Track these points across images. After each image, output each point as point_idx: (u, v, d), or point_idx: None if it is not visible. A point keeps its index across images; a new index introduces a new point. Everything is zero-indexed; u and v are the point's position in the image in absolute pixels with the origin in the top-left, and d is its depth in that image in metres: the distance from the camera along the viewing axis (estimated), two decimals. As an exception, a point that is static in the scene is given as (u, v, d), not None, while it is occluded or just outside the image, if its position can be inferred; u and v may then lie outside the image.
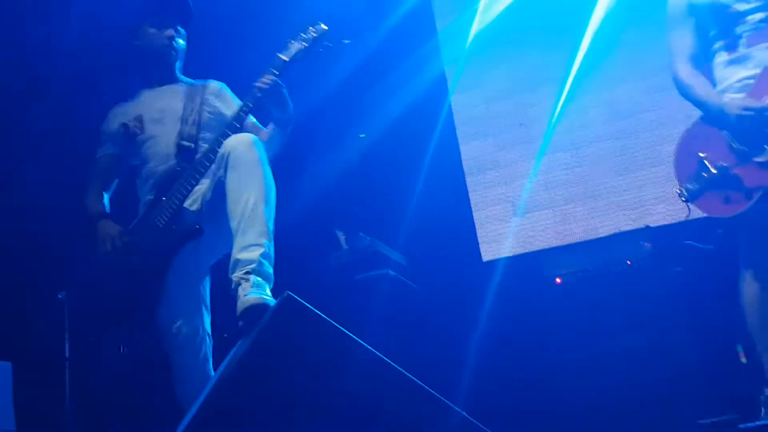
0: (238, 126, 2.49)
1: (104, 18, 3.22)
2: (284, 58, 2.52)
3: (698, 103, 2.41)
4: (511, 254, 4.87)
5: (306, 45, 2.54)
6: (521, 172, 5.03)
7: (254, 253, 2.14)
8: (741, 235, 2.34)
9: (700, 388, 2.89)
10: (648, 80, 4.48)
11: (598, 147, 4.66)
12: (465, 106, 5.26)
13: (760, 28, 2.28)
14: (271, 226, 2.24)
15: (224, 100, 2.78)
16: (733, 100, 2.27)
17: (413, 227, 4.36)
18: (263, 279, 2.14)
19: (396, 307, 3.60)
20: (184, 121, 2.67)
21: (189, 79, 2.85)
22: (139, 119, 2.74)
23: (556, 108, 4.95)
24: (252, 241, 2.16)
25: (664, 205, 3.97)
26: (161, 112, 2.74)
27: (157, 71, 2.79)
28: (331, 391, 1.86)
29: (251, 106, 2.51)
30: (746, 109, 2.21)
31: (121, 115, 2.79)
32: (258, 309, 2.02)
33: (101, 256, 2.60)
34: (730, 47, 2.34)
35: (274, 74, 2.50)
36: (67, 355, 2.78)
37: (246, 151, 2.28)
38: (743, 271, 2.32)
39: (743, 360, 2.81)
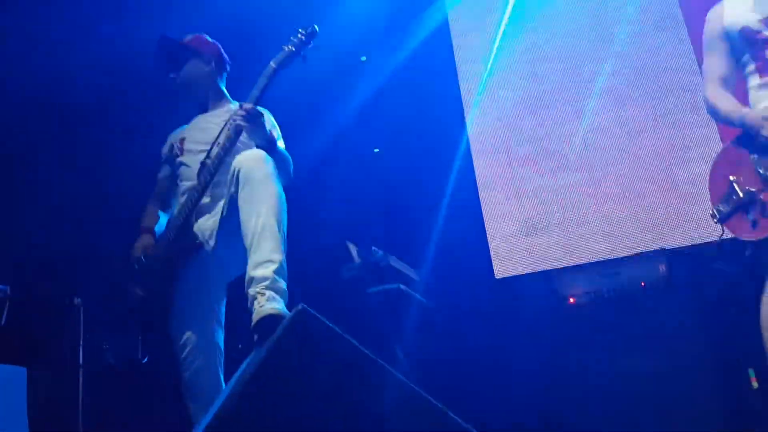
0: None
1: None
2: (273, 65, 2.59)
3: (725, 120, 2.49)
4: (524, 272, 4.90)
5: (293, 49, 2.59)
6: (535, 189, 5.08)
7: (268, 270, 2.19)
8: (765, 259, 2.37)
9: (709, 411, 2.91)
10: (663, 99, 4.52)
11: (615, 168, 4.70)
12: (479, 121, 5.32)
13: None
14: (284, 241, 2.29)
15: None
16: (753, 111, 2.34)
17: (426, 242, 4.40)
18: (277, 294, 2.19)
19: (407, 322, 3.65)
20: (216, 142, 2.75)
21: (237, 102, 2.95)
22: (182, 141, 2.88)
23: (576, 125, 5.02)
24: (266, 258, 2.22)
25: (681, 228, 4.00)
26: (202, 132, 2.86)
27: (196, 101, 2.95)
28: (343, 404, 1.90)
29: (232, 136, 2.60)
30: (765, 118, 2.29)
31: (173, 138, 2.96)
32: (272, 320, 2.07)
33: (125, 264, 2.70)
34: (762, 71, 2.40)
35: (256, 97, 2.57)
36: (80, 361, 2.84)
37: (256, 166, 2.34)
38: (765, 294, 2.35)
39: (755, 385, 2.83)
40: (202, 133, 2.85)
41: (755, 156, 2.33)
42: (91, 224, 3.59)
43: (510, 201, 5.11)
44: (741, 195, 2.33)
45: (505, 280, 4.91)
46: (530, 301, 4.36)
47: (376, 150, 4.68)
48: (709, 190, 2.46)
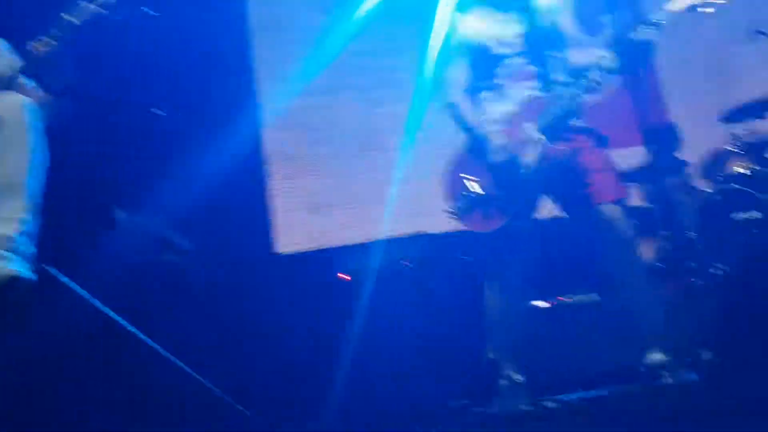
0: None
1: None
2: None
3: (468, 130, 2.73)
4: (305, 249, 5.06)
5: None
6: (322, 167, 5.25)
7: (10, 227, 2.05)
8: (490, 246, 2.69)
9: (453, 378, 3.28)
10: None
11: (397, 154, 5.01)
12: (275, 93, 5.35)
13: (519, 71, 2.66)
14: (36, 201, 2.16)
15: None
16: (495, 134, 2.63)
17: (204, 211, 4.35)
18: (20, 256, 2.06)
19: (178, 294, 3.60)
20: None
21: None
22: None
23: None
24: (10, 215, 2.08)
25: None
26: None
27: None
28: (87, 369, 1.87)
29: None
30: (500, 147, 2.58)
31: None
32: (13, 283, 1.96)
33: None
34: (494, 86, 2.70)
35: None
36: None
37: (13, 113, 2.18)
38: (489, 276, 2.72)
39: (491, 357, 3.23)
40: None
41: (489, 156, 2.62)
42: None
43: (297, 177, 5.23)
44: (476, 192, 2.60)
45: (285, 256, 5.03)
46: (308, 277, 4.51)
47: (156, 110, 4.50)
48: (447, 186, 2.72)
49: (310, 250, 5.00)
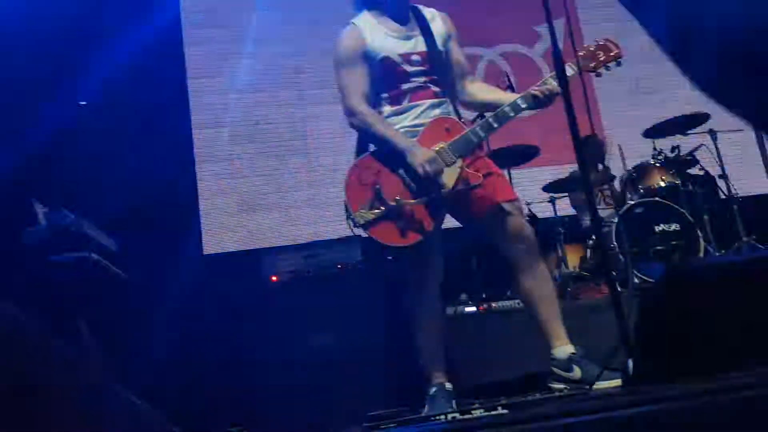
0: None
1: None
2: None
3: (382, 140, 2.62)
4: (233, 250, 4.99)
5: None
6: (254, 168, 5.18)
7: None
8: (407, 257, 2.65)
9: (382, 384, 3.29)
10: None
11: (335, 159, 5.00)
12: (203, 92, 5.26)
13: (420, 88, 2.65)
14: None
15: None
16: (421, 148, 2.56)
17: (130, 210, 4.23)
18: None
19: (98, 295, 3.47)
20: None
21: None
22: None
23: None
24: None
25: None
26: None
27: None
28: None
29: None
30: (429, 161, 2.52)
31: None
32: None
33: None
34: (395, 101, 2.67)
35: None
36: None
37: None
38: (410, 287, 2.69)
39: (421, 363, 3.24)
40: None
41: (402, 171, 2.56)
42: None
43: (227, 178, 5.16)
44: (391, 203, 2.50)
45: (213, 256, 4.95)
46: (235, 278, 4.45)
47: (83, 103, 4.35)
48: (348, 196, 2.57)
49: (240, 251, 4.94)
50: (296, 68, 5.34)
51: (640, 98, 5.49)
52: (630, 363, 2.07)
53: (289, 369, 3.46)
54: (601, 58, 2.68)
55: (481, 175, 2.57)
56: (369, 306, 3.66)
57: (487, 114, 2.68)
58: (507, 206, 2.61)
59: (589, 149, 4.58)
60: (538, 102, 2.60)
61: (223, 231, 5.02)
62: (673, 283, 2.05)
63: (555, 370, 2.58)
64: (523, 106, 2.60)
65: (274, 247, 4.58)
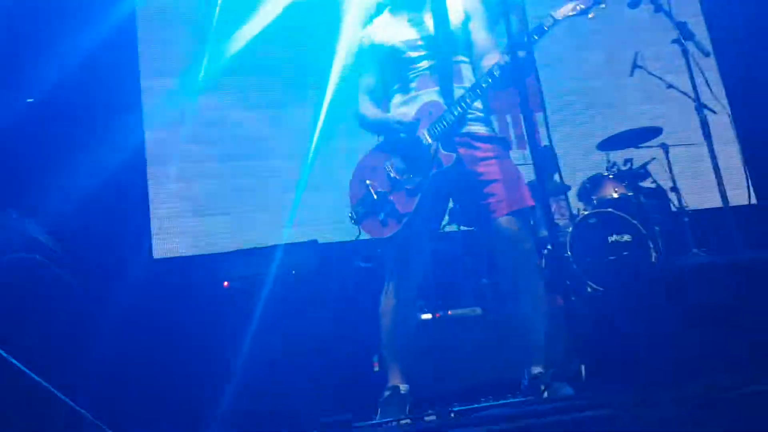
0: None
1: None
2: None
3: (369, 124, 2.76)
4: (185, 254, 4.90)
5: None
6: (207, 171, 5.10)
7: None
8: (389, 254, 2.69)
9: (334, 391, 3.26)
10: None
11: (290, 163, 4.97)
12: (156, 92, 5.16)
13: (426, 74, 2.66)
14: None
15: None
16: (391, 115, 2.66)
17: (77, 210, 4.12)
18: None
19: (42, 297, 3.37)
20: None
21: None
22: None
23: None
24: None
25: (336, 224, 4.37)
26: None
27: None
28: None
29: None
30: (398, 122, 2.60)
31: None
32: None
33: None
34: (404, 90, 2.70)
35: None
36: None
37: None
38: (386, 284, 2.69)
39: (376, 369, 3.24)
40: None
41: (389, 161, 2.63)
42: None
43: (180, 181, 5.06)
44: (375, 196, 2.61)
45: (164, 261, 4.85)
46: (186, 283, 4.37)
47: (30, 100, 4.24)
48: (350, 193, 2.71)
49: (192, 255, 4.85)
50: (254, 70, 5.29)
51: (595, 111, 5.61)
52: (583, 369, 2.10)
53: (239, 375, 3.41)
54: None
55: (453, 155, 2.54)
56: (324, 311, 3.63)
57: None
58: (505, 219, 2.54)
59: (543, 160, 4.67)
60: (494, 80, 2.53)
61: (174, 235, 4.93)
62: (623, 290, 2.10)
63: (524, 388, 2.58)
64: (484, 85, 2.56)
65: (227, 252, 4.52)
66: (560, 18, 2.51)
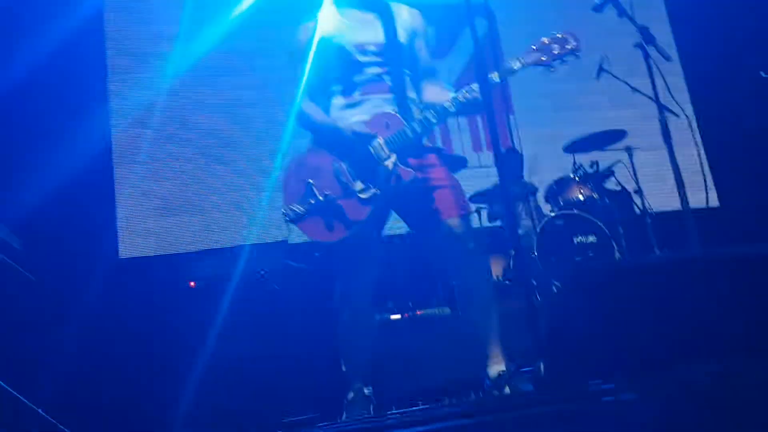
0: None
1: None
2: None
3: (316, 127, 2.66)
4: (151, 254, 4.86)
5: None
6: (175, 171, 5.08)
7: None
8: (338, 260, 2.64)
9: (296, 391, 3.27)
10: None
11: (259, 164, 4.98)
12: (124, 91, 5.13)
13: (374, 80, 2.62)
14: None
15: None
16: (348, 122, 2.57)
17: (41, 208, 4.08)
18: None
19: (4, 297, 3.33)
20: None
21: None
22: None
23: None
24: None
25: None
26: None
27: None
28: None
29: None
30: (355, 134, 2.53)
31: None
32: None
33: None
34: (347, 92, 2.64)
35: None
36: None
37: None
38: (338, 289, 2.66)
39: (344, 368, 3.25)
40: None
41: (339, 165, 2.57)
42: None
43: (147, 180, 5.03)
44: (320, 197, 2.52)
45: (130, 261, 4.81)
46: (153, 283, 4.35)
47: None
48: (284, 192, 2.60)
49: (159, 255, 4.82)
50: (223, 70, 5.28)
51: (562, 114, 5.69)
52: (542, 366, 2.14)
53: (203, 375, 3.40)
54: (556, 51, 2.57)
55: (412, 171, 2.55)
56: (290, 312, 3.64)
57: (426, 111, 2.62)
58: (454, 221, 2.58)
59: (509, 163, 4.73)
60: (463, 106, 2.56)
61: (140, 234, 4.89)
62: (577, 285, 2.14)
63: (487, 388, 2.58)
64: (452, 110, 2.56)
65: (194, 252, 4.50)
66: (525, 65, 2.55)
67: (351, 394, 2.60)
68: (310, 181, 2.57)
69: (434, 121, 2.57)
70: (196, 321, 3.71)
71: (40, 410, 2.35)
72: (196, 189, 5.04)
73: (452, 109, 2.54)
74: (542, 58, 2.57)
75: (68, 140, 4.53)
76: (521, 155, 4.91)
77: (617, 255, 4.21)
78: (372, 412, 2.56)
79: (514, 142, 4.34)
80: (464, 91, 2.56)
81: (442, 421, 1.57)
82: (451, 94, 2.58)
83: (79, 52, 4.85)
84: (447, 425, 1.57)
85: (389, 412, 2.44)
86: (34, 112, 4.60)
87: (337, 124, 2.62)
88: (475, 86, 2.52)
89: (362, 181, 2.55)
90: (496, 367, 2.55)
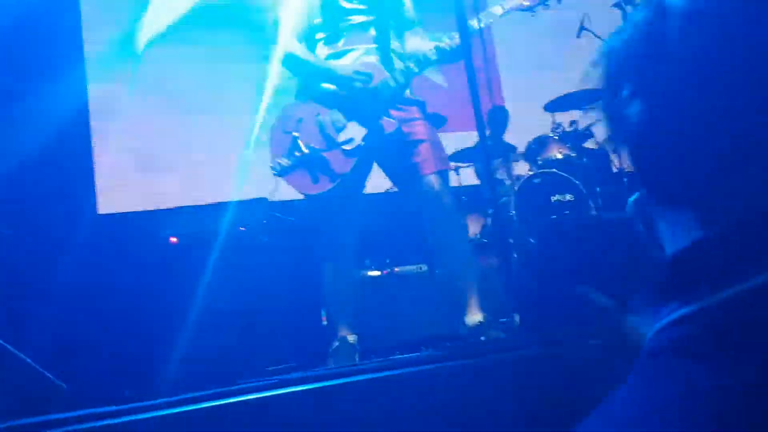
0: None
1: None
2: None
3: (314, 71, 2.67)
4: (131, 209, 4.90)
5: None
6: (155, 126, 5.09)
7: None
8: (322, 212, 2.72)
9: (284, 343, 3.39)
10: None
11: (244, 119, 4.98)
12: (99, 43, 5.10)
13: (358, 29, 2.67)
14: None
15: None
16: (344, 64, 2.61)
17: (19, 166, 4.09)
18: None
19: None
20: None
21: None
22: None
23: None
24: None
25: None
26: None
27: None
28: None
29: None
30: (357, 72, 2.57)
31: None
32: None
33: None
34: (331, 41, 2.68)
35: None
36: None
37: None
38: (322, 242, 2.75)
39: (324, 322, 3.37)
40: None
41: (325, 116, 2.62)
42: None
43: (126, 134, 5.04)
44: (305, 150, 2.58)
45: (109, 216, 4.85)
46: (132, 239, 4.40)
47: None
48: (270, 145, 2.66)
49: (140, 211, 4.87)
50: (206, 23, 5.25)
51: (543, 73, 5.76)
52: (517, 317, 2.28)
53: (188, 329, 3.49)
54: None
55: (395, 122, 2.60)
56: (272, 266, 3.73)
57: (408, 60, 2.66)
58: (432, 178, 2.64)
59: (495, 120, 4.82)
60: (445, 54, 2.60)
61: (119, 190, 4.93)
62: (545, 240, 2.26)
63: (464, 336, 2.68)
64: (433, 58, 2.60)
65: (175, 208, 4.55)
66: (506, 10, 2.59)
67: (336, 343, 2.71)
68: (295, 134, 2.61)
69: (416, 70, 2.63)
70: (179, 276, 3.78)
71: (28, 359, 2.43)
72: (178, 144, 5.06)
73: (434, 58, 2.60)
74: (524, 3, 2.60)
75: (44, 95, 4.52)
76: (505, 113, 4.99)
77: (593, 213, 4.34)
78: (357, 361, 2.67)
79: (496, 101, 4.42)
80: (446, 38, 2.60)
81: (425, 364, 1.69)
82: (434, 43, 2.63)
83: (51, 2, 4.80)
84: (427, 368, 1.69)
85: (372, 360, 2.56)
86: (8, 67, 4.56)
87: (330, 66, 2.64)
88: (456, 34, 2.54)
89: (348, 131, 2.59)
90: (473, 317, 2.65)
